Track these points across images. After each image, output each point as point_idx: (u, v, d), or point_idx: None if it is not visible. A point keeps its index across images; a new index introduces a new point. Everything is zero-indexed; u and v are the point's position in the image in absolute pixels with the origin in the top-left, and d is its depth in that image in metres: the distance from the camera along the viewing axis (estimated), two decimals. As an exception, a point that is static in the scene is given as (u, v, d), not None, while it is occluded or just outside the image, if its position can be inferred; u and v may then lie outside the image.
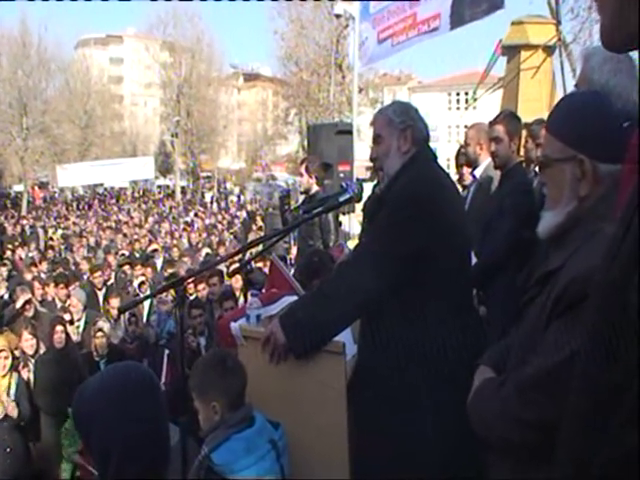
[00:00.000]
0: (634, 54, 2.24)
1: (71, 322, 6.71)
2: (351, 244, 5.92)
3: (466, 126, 6.00)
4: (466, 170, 4.77)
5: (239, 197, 43.51)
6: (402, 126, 2.55)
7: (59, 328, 5.72)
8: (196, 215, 27.34)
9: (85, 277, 9.73)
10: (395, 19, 7.73)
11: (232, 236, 16.69)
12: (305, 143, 16.74)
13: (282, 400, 2.50)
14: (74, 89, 43.25)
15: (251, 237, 13.52)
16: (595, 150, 1.48)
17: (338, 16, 13.18)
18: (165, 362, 5.90)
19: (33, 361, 5.66)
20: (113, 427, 1.49)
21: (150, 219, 24.70)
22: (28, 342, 5.70)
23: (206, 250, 12.58)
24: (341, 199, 2.71)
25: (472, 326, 2.50)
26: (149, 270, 9.80)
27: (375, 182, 2.87)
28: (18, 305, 7.15)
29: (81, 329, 6.97)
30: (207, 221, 24.19)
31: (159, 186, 51.69)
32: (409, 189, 2.48)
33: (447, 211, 2.51)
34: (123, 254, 12.66)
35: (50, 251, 14.73)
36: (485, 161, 4.29)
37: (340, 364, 2.39)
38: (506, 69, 10.67)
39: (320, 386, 2.41)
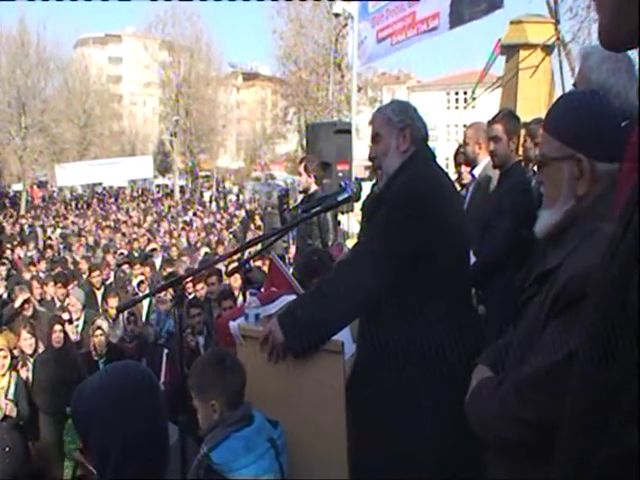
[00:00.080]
0: (633, 53, 2.25)
1: (70, 321, 6.70)
2: (350, 243, 5.93)
3: (465, 125, 6.01)
4: (465, 169, 4.77)
5: (238, 196, 43.49)
6: (401, 125, 2.55)
7: (57, 327, 5.72)
8: (195, 214, 27.32)
9: (84, 277, 9.72)
10: (394, 18, 7.74)
11: (231, 235, 16.67)
12: (304, 142, 16.74)
13: (281, 399, 2.50)
14: (73, 88, 43.17)
15: (249, 236, 13.52)
16: (593, 149, 1.48)
17: (337, 15, 13.19)
18: (164, 361, 5.90)
19: (32, 360, 5.66)
20: (111, 426, 1.49)
21: (149, 218, 24.67)
22: (27, 341, 5.70)
23: (205, 249, 12.58)
24: (340, 198, 2.71)
25: (471, 325, 2.50)
26: (147, 269, 9.80)
27: (374, 181, 2.87)
28: (17, 304, 7.14)
29: (80, 328, 6.96)
30: (206, 220, 24.17)
31: (158, 185, 51.65)
32: (408, 188, 2.48)
33: (446, 210, 2.51)
34: (122, 253, 12.64)
35: (49, 250, 14.73)
36: (484, 160, 4.29)
37: (339, 363, 2.39)
38: (505, 68, 10.66)
39: (319, 385, 2.41)
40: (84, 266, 10.58)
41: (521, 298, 1.63)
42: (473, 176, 4.44)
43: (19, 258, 13.36)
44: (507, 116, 4.05)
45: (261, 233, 12.43)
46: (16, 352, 5.57)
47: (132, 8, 61.83)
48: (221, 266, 7.38)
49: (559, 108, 1.62)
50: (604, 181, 1.48)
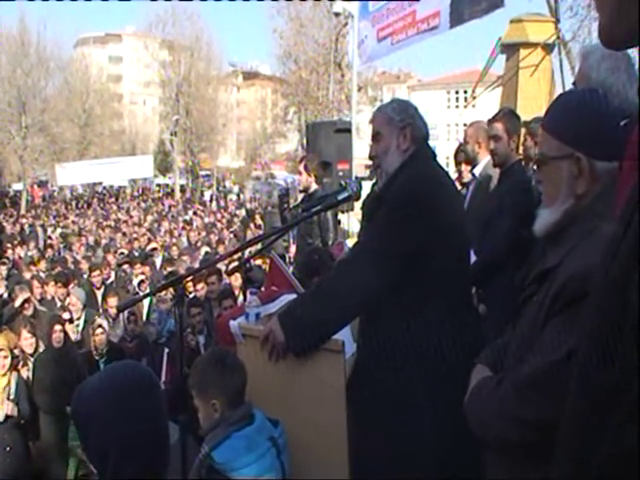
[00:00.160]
0: (632, 51, 2.25)
1: (71, 321, 6.70)
2: (350, 242, 5.92)
3: (465, 124, 6.01)
4: (465, 168, 4.76)
5: (238, 195, 43.53)
6: (401, 124, 2.55)
7: (57, 327, 5.71)
8: (195, 214, 27.31)
9: (85, 276, 9.73)
10: (394, 17, 7.73)
11: (232, 235, 16.68)
12: (304, 141, 16.73)
13: (281, 398, 2.50)
14: (73, 88, 43.18)
15: (249, 235, 13.52)
16: (592, 148, 1.48)
17: (337, 14, 13.20)
18: (165, 361, 5.90)
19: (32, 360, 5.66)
20: (111, 427, 1.49)
21: (149, 218, 24.68)
22: (27, 341, 5.69)
23: (205, 249, 12.58)
24: (340, 197, 2.71)
25: (471, 325, 2.50)
26: (148, 269, 9.81)
27: (374, 180, 2.87)
28: (17, 304, 7.14)
29: (80, 328, 6.96)
30: (206, 220, 24.17)
31: (158, 185, 51.66)
32: (408, 187, 2.48)
33: (446, 209, 2.50)
34: (122, 253, 12.64)
35: (49, 250, 14.73)
36: (484, 159, 4.29)
37: (339, 362, 2.39)
38: (505, 67, 10.66)
39: (319, 384, 2.41)
40: (84, 266, 10.59)
41: (520, 297, 1.63)
42: (474, 175, 4.44)
43: (19, 257, 13.37)
44: (507, 115, 4.05)
45: (261, 232, 12.43)
46: (17, 352, 5.57)
47: (132, 7, 62.20)
48: (221, 265, 7.39)
49: (558, 107, 1.62)
50: (603, 180, 1.48)
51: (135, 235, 17.33)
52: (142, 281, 8.64)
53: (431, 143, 2.71)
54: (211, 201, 39.65)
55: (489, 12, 6.09)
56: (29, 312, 7.03)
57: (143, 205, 36.06)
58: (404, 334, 2.32)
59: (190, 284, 6.85)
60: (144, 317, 7.80)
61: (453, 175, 4.43)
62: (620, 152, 1.42)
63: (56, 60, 40.89)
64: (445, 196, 2.56)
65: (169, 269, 9.20)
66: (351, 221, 9.57)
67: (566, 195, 1.51)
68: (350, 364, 2.52)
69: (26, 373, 5.55)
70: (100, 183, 44.51)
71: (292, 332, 2.39)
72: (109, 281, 9.22)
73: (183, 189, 46.39)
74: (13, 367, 5.29)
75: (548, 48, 9.87)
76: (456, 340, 2.25)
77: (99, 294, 8.38)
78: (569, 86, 6.78)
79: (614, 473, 0.78)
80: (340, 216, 7.61)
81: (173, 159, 45.12)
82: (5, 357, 5.19)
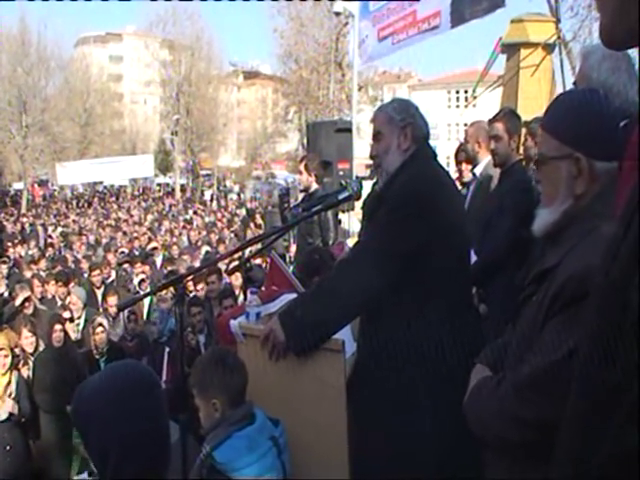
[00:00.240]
0: (633, 52, 2.24)
1: (71, 320, 6.70)
2: (351, 242, 5.92)
3: (466, 124, 6.01)
4: (465, 167, 4.77)
5: (239, 195, 43.52)
6: (402, 124, 2.55)
7: (58, 327, 5.71)
8: (195, 213, 27.32)
9: (85, 275, 9.73)
10: (395, 17, 7.72)
11: (232, 234, 16.68)
12: (304, 141, 16.73)
13: (281, 398, 2.50)
14: (74, 87, 43.19)
15: (249, 235, 13.52)
16: (591, 148, 1.48)
17: (338, 14, 13.20)
18: (165, 360, 5.90)
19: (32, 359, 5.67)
20: (111, 427, 1.49)
21: (150, 217, 24.68)
22: (28, 340, 5.69)
23: (206, 248, 12.57)
24: (340, 197, 2.71)
25: (471, 325, 2.50)
26: (148, 268, 9.81)
27: (375, 180, 2.87)
28: (17, 303, 7.15)
29: (81, 327, 6.96)
30: (207, 219, 24.17)
31: (159, 184, 51.69)
32: (409, 187, 2.48)
33: (446, 209, 2.50)
34: (123, 252, 12.65)
35: (50, 249, 14.73)
36: (485, 159, 4.29)
37: (339, 362, 2.39)
38: (506, 67, 10.66)
39: (319, 384, 2.41)
40: (85, 265, 10.60)
41: (520, 297, 1.63)
42: (474, 175, 4.44)
43: (20, 256, 13.37)
44: (508, 115, 4.05)
45: (261, 232, 12.43)
46: (17, 351, 5.58)
47: (133, 7, 62.23)
48: (222, 265, 7.39)
49: (557, 107, 1.62)
50: (603, 180, 1.48)
51: (135, 234, 17.34)
52: (142, 280, 8.64)
53: (432, 143, 2.72)
54: (211, 200, 39.65)
55: (490, 12, 6.08)
56: (29, 311, 7.03)
57: (144, 204, 36.07)
58: (404, 334, 2.32)
59: (190, 283, 6.85)
60: (144, 316, 7.80)
61: (453, 175, 4.43)
62: (620, 152, 1.42)
63: (57, 59, 40.96)
64: (445, 196, 2.56)
65: (169, 268, 9.20)
66: (352, 221, 9.56)
67: (565, 195, 1.51)
68: (350, 364, 2.52)
69: (26, 372, 5.56)
70: (101, 182, 44.53)
71: (292, 332, 2.39)
72: (109, 280, 9.21)
73: (184, 188, 46.41)
74: (14, 366, 5.30)
75: (549, 48, 9.87)
76: (456, 340, 2.25)
77: (99, 293, 8.38)
78: (570, 86, 6.78)
79: (614, 473, 0.78)
80: (341, 216, 7.61)
81: (174, 158, 45.13)
82: (5, 356, 5.19)
